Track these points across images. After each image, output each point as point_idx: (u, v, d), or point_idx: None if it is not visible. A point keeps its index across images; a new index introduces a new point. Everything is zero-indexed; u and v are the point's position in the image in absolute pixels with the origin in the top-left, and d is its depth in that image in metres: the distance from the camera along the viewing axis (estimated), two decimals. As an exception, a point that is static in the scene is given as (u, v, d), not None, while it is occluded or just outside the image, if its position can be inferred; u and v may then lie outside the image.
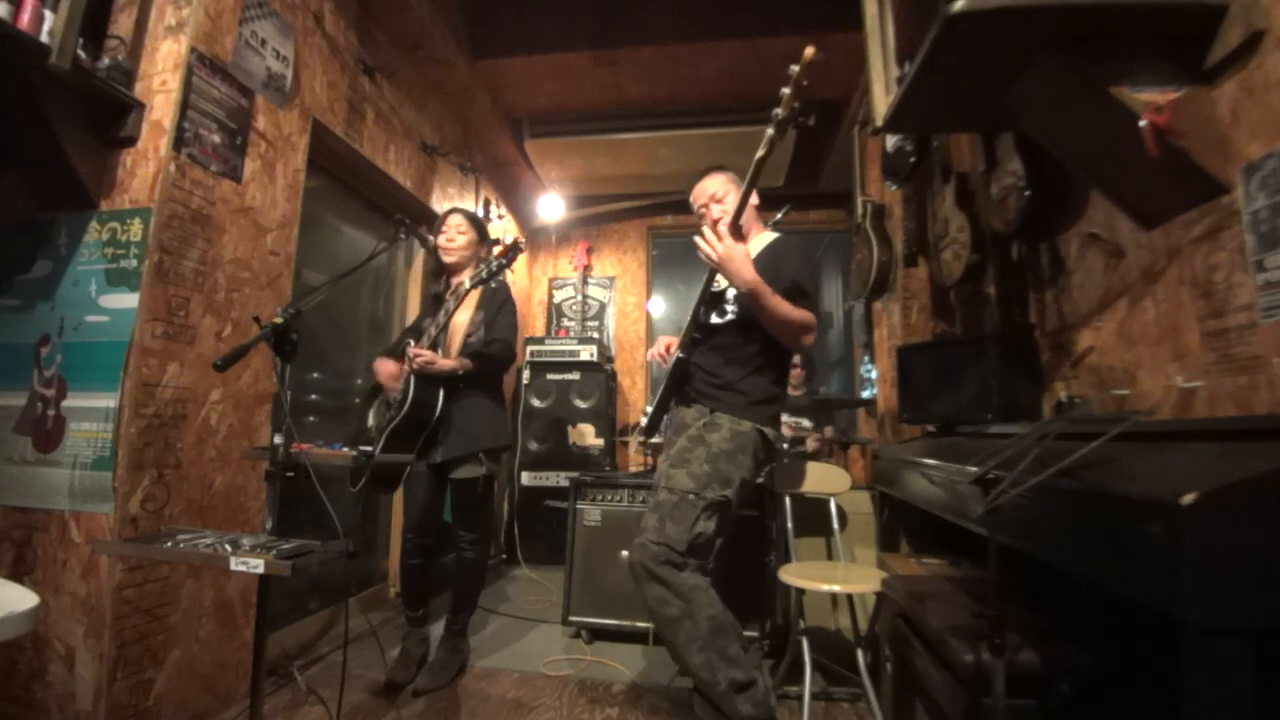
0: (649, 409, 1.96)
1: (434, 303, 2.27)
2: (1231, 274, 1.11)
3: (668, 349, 1.87)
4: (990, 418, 1.71)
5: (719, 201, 1.88)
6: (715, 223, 1.74)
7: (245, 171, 1.97)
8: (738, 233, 1.71)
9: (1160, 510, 0.73)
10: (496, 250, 2.05)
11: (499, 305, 2.20)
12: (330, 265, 2.67)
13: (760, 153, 1.60)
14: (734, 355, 1.79)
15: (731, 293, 1.81)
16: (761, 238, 1.92)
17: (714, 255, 1.64)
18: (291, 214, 2.20)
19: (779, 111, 1.54)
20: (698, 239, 1.68)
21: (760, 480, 1.85)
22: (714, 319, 1.84)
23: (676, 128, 3.59)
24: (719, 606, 1.56)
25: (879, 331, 3.01)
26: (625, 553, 2.51)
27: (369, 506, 2.98)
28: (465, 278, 2.17)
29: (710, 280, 1.84)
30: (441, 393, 2.05)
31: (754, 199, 1.84)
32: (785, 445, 1.80)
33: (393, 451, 1.97)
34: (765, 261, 1.76)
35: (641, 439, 2.13)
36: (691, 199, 1.94)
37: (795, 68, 1.50)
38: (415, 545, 2.14)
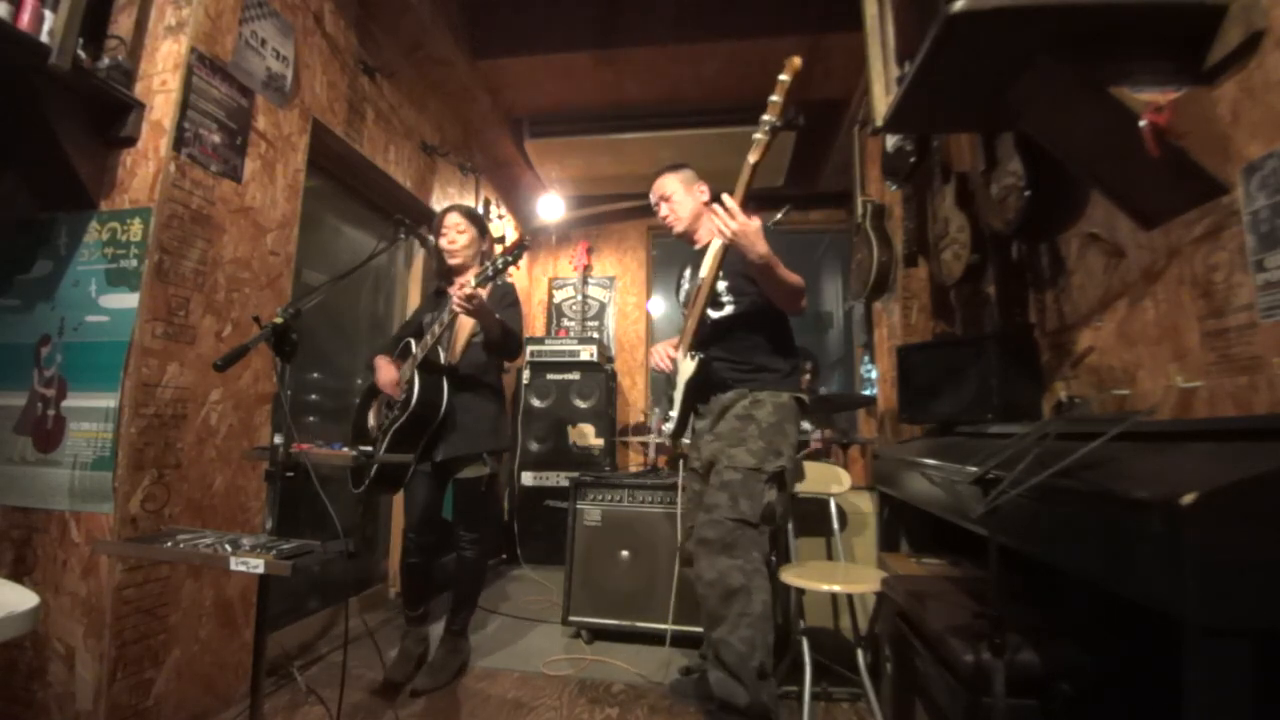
0: (672, 414, 1.95)
1: (435, 298, 2.27)
2: (1231, 274, 1.11)
3: (670, 357, 1.92)
4: (990, 418, 1.71)
5: (667, 200, 1.98)
6: (715, 203, 1.70)
7: (245, 171, 1.97)
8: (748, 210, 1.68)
9: (1160, 510, 0.73)
10: (499, 248, 2.04)
11: (507, 305, 2.19)
12: (330, 265, 2.67)
13: (751, 159, 1.65)
14: (749, 341, 1.87)
15: (722, 285, 1.89)
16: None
17: (731, 228, 1.62)
18: (291, 214, 2.20)
19: (769, 118, 1.61)
20: (716, 207, 1.66)
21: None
22: (713, 314, 1.91)
23: (676, 128, 3.59)
24: (770, 596, 1.67)
25: (879, 331, 3.01)
26: (625, 553, 2.54)
27: (369, 506, 2.98)
28: (470, 276, 2.16)
29: (680, 276, 2.03)
30: (446, 393, 2.05)
31: (702, 196, 1.98)
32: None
33: (396, 451, 1.97)
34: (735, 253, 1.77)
35: (670, 440, 2.14)
36: (650, 195, 2.03)
37: (785, 76, 1.58)
38: (416, 544, 2.15)
